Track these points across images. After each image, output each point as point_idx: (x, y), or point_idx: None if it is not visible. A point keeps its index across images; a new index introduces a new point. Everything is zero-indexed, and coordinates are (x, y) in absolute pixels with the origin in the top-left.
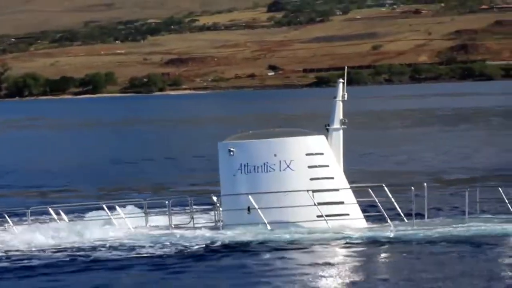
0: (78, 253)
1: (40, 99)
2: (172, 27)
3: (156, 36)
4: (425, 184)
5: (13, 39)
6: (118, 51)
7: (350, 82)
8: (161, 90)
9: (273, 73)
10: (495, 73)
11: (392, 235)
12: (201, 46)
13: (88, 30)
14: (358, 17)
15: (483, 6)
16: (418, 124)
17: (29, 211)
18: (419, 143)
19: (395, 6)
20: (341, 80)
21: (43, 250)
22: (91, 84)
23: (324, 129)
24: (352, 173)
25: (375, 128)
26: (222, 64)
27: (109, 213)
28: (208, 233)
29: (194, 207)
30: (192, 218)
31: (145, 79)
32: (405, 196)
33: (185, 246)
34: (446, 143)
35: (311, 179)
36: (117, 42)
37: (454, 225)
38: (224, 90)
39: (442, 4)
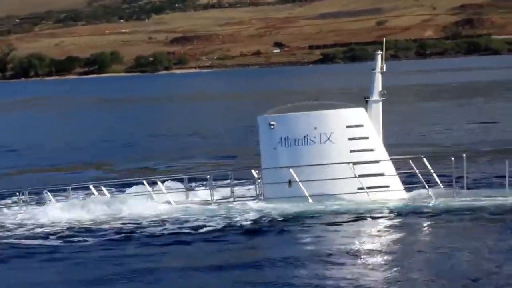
0: (125, 228)
1: (46, 80)
2: (176, 5)
3: (161, 15)
4: (464, 155)
5: (17, 20)
6: (123, 30)
7: (355, 59)
8: (167, 69)
9: (278, 50)
10: (501, 47)
11: (433, 205)
12: (205, 24)
13: (92, 10)
14: None
15: None
16: (433, 98)
17: (69, 187)
18: (437, 118)
19: None
20: (379, 52)
21: (88, 225)
22: (97, 63)
23: (364, 101)
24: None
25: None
26: (227, 42)
27: (150, 189)
28: (252, 206)
29: (235, 181)
30: (233, 192)
31: (150, 58)
32: (444, 167)
33: (230, 220)
34: (466, 117)
35: (352, 151)
36: (121, 21)
37: (494, 196)
38: (229, 68)
39: None
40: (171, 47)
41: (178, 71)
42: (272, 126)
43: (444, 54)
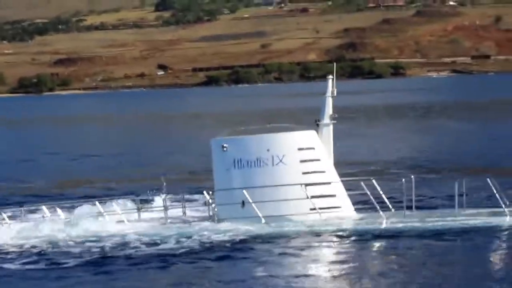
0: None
1: None
2: (59, 26)
3: (44, 36)
4: (412, 176)
5: None
6: (6, 51)
7: (239, 81)
8: (51, 90)
9: (162, 73)
10: (384, 71)
11: (384, 226)
12: (89, 45)
13: None
14: (246, 16)
15: (370, 5)
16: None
17: (22, 209)
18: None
19: (282, 5)
20: (330, 76)
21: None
22: None
23: (314, 124)
24: None
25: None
26: (111, 63)
27: (102, 209)
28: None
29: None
30: (185, 213)
31: (34, 79)
32: (393, 188)
33: (184, 240)
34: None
35: (304, 173)
36: (4, 42)
37: (442, 217)
38: (114, 89)
39: (329, 3)
40: (55, 68)
41: (62, 92)
42: (225, 149)
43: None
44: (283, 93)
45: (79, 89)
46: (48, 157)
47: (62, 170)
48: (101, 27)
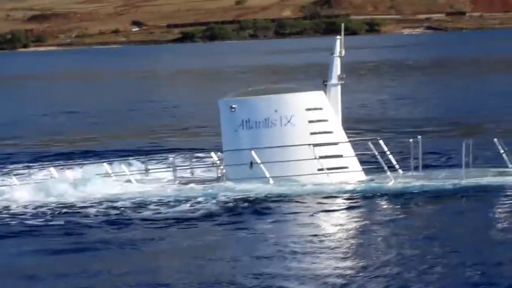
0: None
1: None
2: None
3: None
4: (419, 137)
5: None
6: None
7: (214, 38)
8: (25, 46)
9: (137, 29)
10: (359, 28)
11: (392, 186)
12: (63, 2)
13: None
14: None
15: None
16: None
17: (30, 171)
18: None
19: None
20: (338, 36)
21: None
22: None
23: (322, 85)
24: None
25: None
26: (85, 19)
27: (110, 170)
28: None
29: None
30: (193, 174)
31: (8, 36)
32: (400, 148)
33: (194, 201)
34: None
35: (311, 133)
36: None
37: (449, 177)
38: (88, 46)
39: None
40: (29, 24)
41: (37, 49)
42: (233, 109)
43: (303, 34)
44: (260, 50)
45: (53, 45)
46: (36, 116)
47: (52, 128)
48: None
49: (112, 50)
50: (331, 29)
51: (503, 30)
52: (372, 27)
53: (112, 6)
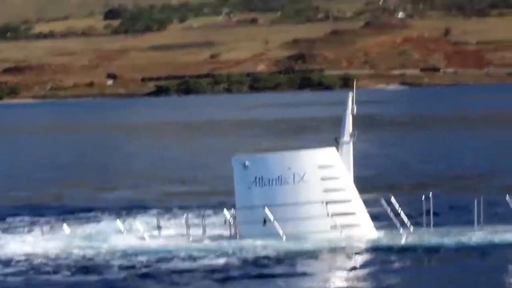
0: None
1: None
2: (7, 34)
3: None
4: (430, 193)
5: None
6: None
7: (189, 91)
8: None
9: (111, 82)
10: (333, 83)
11: (404, 243)
12: (38, 54)
13: None
14: (196, 26)
15: (319, 16)
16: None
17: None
18: None
19: (231, 15)
20: (350, 93)
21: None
22: None
23: (334, 142)
24: None
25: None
26: (59, 72)
27: (122, 227)
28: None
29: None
30: (205, 232)
31: None
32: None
33: (206, 258)
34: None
35: (324, 190)
36: None
37: (462, 234)
38: (63, 98)
39: (278, 14)
40: (3, 76)
41: (11, 101)
42: (246, 167)
43: (277, 89)
44: (236, 105)
45: (28, 97)
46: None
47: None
48: (50, 35)
49: (87, 103)
50: (306, 84)
51: (477, 86)
52: (346, 82)
53: (87, 58)
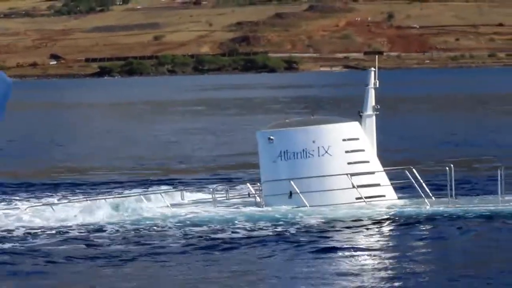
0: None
1: None
2: None
3: None
4: (451, 165)
5: None
6: None
7: (133, 72)
8: None
9: (55, 62)
10: (277, 65)
11: (428, 212)
12: None
13: None
14: (139, 7)
15: None
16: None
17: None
18: None
19: None
20: (372, 68)
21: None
22: None
23: (358, 115)
24: None
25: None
26: (2, 52)
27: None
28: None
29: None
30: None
31: None
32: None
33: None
34: None
35: (348, 163)
36: None
37: (485, 203)
38: None
39: None
40: None
41: None
42: (271, 141)
43: (222, 70)
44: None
45: None
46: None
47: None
48: None
49: (29, 83)
50: (250, 66)
51: (420, 69)
52: (290, 65)
53: (30, 39)
